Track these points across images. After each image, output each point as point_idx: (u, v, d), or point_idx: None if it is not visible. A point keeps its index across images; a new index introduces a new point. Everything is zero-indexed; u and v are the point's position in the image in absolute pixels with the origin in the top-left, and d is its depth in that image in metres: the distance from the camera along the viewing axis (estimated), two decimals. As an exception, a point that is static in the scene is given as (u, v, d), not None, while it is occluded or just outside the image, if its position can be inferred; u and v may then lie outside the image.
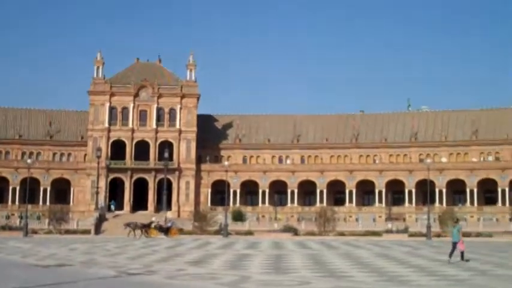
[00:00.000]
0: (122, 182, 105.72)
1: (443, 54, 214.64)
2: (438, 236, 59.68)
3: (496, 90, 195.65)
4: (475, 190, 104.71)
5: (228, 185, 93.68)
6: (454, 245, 29.66)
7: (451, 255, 29.37)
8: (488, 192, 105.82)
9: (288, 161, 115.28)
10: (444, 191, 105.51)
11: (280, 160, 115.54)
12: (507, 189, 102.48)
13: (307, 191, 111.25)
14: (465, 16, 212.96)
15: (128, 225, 62.95)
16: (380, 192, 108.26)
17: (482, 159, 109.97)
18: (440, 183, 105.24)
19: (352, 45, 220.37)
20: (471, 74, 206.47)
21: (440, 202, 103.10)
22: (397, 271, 24.88)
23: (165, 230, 60.54)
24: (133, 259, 30.89)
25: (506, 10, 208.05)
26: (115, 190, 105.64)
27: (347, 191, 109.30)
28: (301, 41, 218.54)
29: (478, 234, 61.25)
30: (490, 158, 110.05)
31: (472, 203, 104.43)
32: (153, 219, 67.44)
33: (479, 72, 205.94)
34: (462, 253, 29.57)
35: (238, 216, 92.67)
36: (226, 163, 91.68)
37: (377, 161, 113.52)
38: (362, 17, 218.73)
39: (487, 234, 59.54)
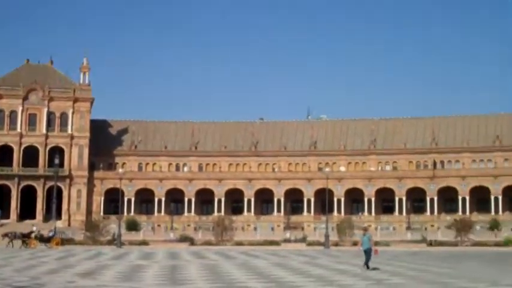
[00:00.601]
0: (9, 190, 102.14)
1: (343, 62, 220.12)
2: (336, 245, 60.83)
3: (394, 100, 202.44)
4: (373, 199, 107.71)
5: (122, 193, 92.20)
6: (366, 252, 30.13)
7: (367, 263, 30.03)
8: (385, 202, 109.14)
9: (186, 169, 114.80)
10: (342, 199, 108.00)
11: (177, 168, 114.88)
12: (404, 198, 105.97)
13: (204, 199, 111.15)
14: (366, 22, 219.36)
15: (5, 235, 60.51)
16: (279, 201, 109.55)
17: (380, 168, 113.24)
18: (339, 192, 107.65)
19: (252, 50, 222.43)
20: (371, 82, 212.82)
21: (339, 211, 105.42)
22: (294, 281, 25.09)
23: (46, 240, 58.42)
24: (19, 271, 29.74)
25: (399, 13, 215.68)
26: (1, 198, 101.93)
27: (245, 200, 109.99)
28: (202, 42, 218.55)
29: (376, 243, 62.76)
30: (388, 168, 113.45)
31: (370, 212, 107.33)
32: (34, 228, 64.96)
33: (378, 81, 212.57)
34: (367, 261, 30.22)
35: (133, 226, 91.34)
36: (120, 170, 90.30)
37: (276, 170, 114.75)
38: (262, 20, 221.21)
39: (385, 243, 61.09)
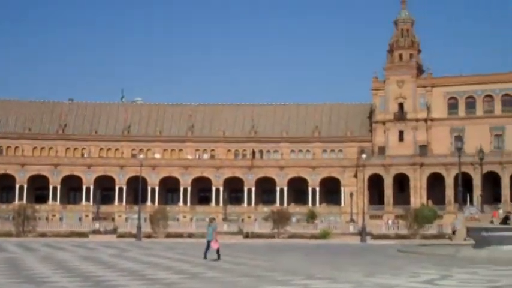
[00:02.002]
0: None
1: (162, 44, 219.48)
2: (149, 236, 60.65)
3: (213, 86, 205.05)
4: (189, 189, 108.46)
5: None
6: (209, 243, 31.98)
7: (205, 253, 31.94)
8: (202, 191, 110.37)
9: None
10: (157, 188, 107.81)
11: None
12: (221, 188, 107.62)
13: (3, 186, 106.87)
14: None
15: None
16: (88, 189, 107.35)
17: (197, 156, 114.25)
18: (153, 180, 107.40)
19: (61, 25, 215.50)
20: (190, 66, 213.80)
21: (153, 201, 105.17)
22: (103, 275, 24.60)
23: None
24: None
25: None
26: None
27: (51, 187, 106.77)
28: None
29: (191, 235, 63.37)
30: (206, 156, 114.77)
31: (185, 202, 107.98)
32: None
33: (198, 65, 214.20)
34: (218, 251, 31.78)
35: None
36: None
37: (86, 155, 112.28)
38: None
39: (200, 235, 61.65)
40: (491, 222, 78.70)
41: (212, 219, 35.81)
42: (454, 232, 66.02)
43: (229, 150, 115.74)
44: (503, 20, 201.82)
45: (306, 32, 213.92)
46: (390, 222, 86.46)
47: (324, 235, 62.92)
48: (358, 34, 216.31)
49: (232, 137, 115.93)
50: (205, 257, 31.84)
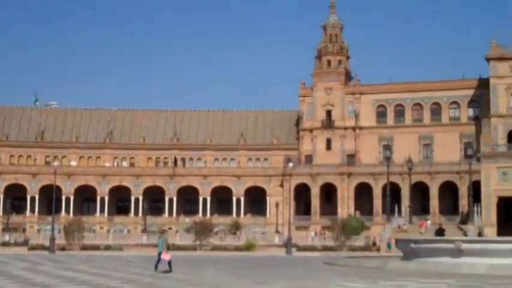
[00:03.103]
0: None
1: (79, 47, 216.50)
2: (63, 249, 59.73)
3: (133, 90, 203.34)
4: (107, 198, 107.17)
5: None
6: (160, 255, 32.92)
7: (156, 265, 32.84)
8: (120, 201, 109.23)
9: None
10: (72, 198, 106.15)
11: None
12: (141, 198, 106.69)
13: None
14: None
15: None
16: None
17: (115, 164, 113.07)
18: (68, 189, 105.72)
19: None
20: (108, 70, 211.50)
21: (67, 211, 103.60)
22: (14, 290, 24.10)
23: None
24: None
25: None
26: None
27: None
28: None
29: (108, 247, 62.67)
30: (125, 164, 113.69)
31: (102, 212, 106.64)
32: None
33: (116, 69, 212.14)
34: (169, 263, 32.67)
35: None
36: None
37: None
38: None
39: (117, 247, 61.14)
40: (420, 232, 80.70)
41: (163, 231, 36.76)
42: (374, 244, 67.35)
43: (149, 158, 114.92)
44: (432, 28, 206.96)
45: (232, 35, 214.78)
46: (312, 233, 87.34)
47: (249, 247, 63.21)
48: (287, 39, 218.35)
49: (153, 144, 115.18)
50: (155, 269, 32.56)
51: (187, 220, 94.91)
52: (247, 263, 44.91)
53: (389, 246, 67.47)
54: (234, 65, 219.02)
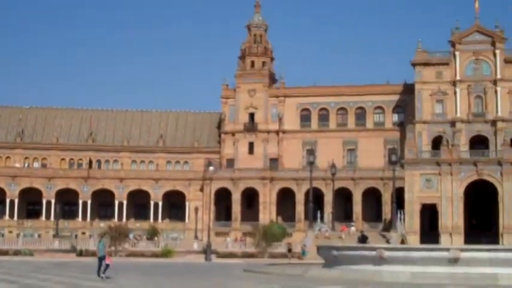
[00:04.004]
0: None
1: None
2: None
3: (46, 87, 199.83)
4: (16, 201, 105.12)
5: None
6: (100, 260, 33.40)
7: (99, 271, 33.26)
8: (31, 204, 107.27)
9: None
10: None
11: None
12: (53, 201, 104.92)
13: None
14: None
15: None
16: None
17: (26, 165, 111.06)
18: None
19: None
20: (23, 66, 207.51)
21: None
22: None
23: None
24: None
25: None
26: None
27: None
28: None
29: (17, 252, 61.55)
30: (36, 165, 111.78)
31: (12, 215, 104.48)
32: None
33: (34, 66, 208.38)
34: (107, 267, 33.41)
35: None
36: None
37: None
38: None
39: (27, 253, 60.10)
40: (340, 237, 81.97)
41: (103, 234, 37.03)
42: (289, 250, 68.03)
43: (63, 159, 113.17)
44: (358, 32, 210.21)
45: (153, 33, 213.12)
46: (229, 240, 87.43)
47: (166, 253, 63.02)
48: (211, 38, 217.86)
49: (67, 144, 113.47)
50: (98, 275, 33.08)
51: (102, 225, 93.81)
52: (165, 270, 44.74)
53: (303, 253, 68.33)
54: (155, 64, 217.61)
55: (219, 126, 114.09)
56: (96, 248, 34.83)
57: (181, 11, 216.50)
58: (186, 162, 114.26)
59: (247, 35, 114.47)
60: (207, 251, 62.62)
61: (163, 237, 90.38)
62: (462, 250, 34.59)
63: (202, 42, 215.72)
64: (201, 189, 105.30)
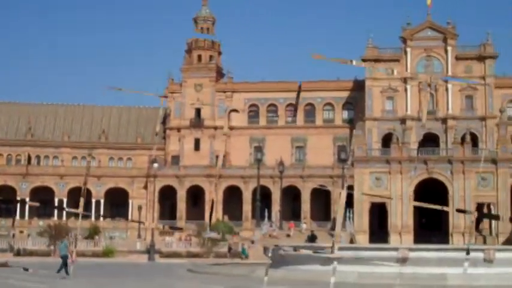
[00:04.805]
0: None
1: None
2: None
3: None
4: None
5: None
6: (63, 259, 35.42)
7: (62, 269, 35.11)
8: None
9: None
10: None
11: None
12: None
13: None
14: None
15: None
16: None
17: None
18: None
19: None
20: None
21: None
22: None
23: None
24: None
25: None
26: None
27: None
28: None
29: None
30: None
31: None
32: None
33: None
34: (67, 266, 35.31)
35: None
36: None
37: None
38: None
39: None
40: (288, 235, 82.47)
41: (64, 236, 38.39)
42: (229, 250, 68.31)
43: (1, 155, 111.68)
44: (308, 27, 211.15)
45: (96, 24, 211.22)
46: (172, 239, 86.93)
47: (108, 253, 62.62)
48: (157, 30, 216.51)
49: (4, 140, 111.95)
50: (67, 273, 34.76)
51: (41, 223, 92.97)
52: (106, 270, 44.47)
53: (243, 251, 68.60)
54: (98, 56, 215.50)
55: (164, 122, 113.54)
56: (58, 248, 36.18)
57: (126, 2, 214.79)
58: (129, 158, 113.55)
59: (194, 28, 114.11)
60: (150, 250, 62.46)
61: (104, 236, 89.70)
62: (411, 250, 35.04)
63: (149, 36, 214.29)
64: (145, 187, 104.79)
